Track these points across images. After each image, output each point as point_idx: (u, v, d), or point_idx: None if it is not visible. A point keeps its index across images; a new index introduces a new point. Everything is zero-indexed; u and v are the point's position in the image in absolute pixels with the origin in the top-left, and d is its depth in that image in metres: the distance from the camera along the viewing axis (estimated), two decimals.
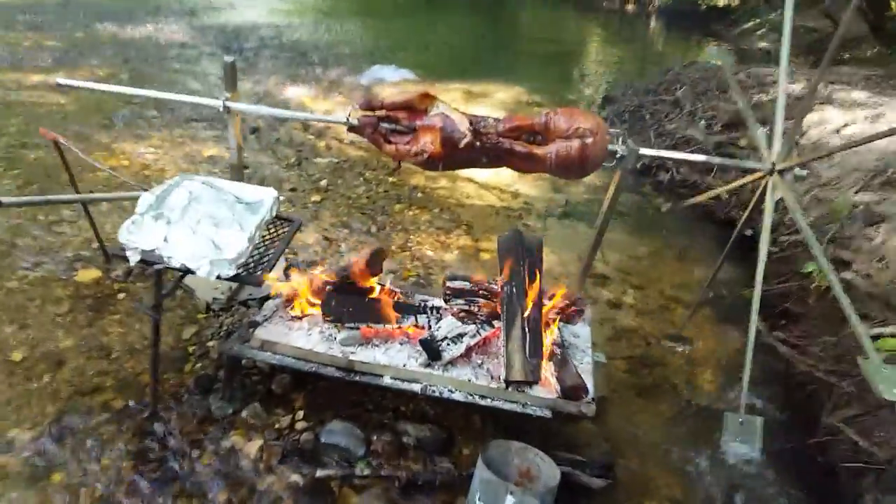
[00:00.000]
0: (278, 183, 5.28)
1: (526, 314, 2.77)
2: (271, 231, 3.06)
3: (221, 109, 3.04)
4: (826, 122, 6.83)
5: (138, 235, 2.54)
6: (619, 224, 5.89)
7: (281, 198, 5.07)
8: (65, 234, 3.98)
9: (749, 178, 3.48)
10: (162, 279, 2.52)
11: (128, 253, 2.48)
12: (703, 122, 7.84)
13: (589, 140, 2.79)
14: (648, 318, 4.52)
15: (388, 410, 2.99)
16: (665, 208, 6.57)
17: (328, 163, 5.92)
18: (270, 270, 2.74)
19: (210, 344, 3.18)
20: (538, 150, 2.80)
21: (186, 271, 2.51)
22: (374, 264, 2.94)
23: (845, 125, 6.54)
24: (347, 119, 2.96)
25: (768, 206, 3.28)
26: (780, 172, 3.22)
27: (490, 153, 2.82)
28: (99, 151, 5.10)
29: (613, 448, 3.47)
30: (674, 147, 7.51)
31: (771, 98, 7.62)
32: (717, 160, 3.60)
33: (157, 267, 2.46)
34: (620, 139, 3.06)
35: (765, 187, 3.29)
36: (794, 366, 3.95)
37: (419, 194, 5.72)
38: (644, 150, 3.10)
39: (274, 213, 3.04)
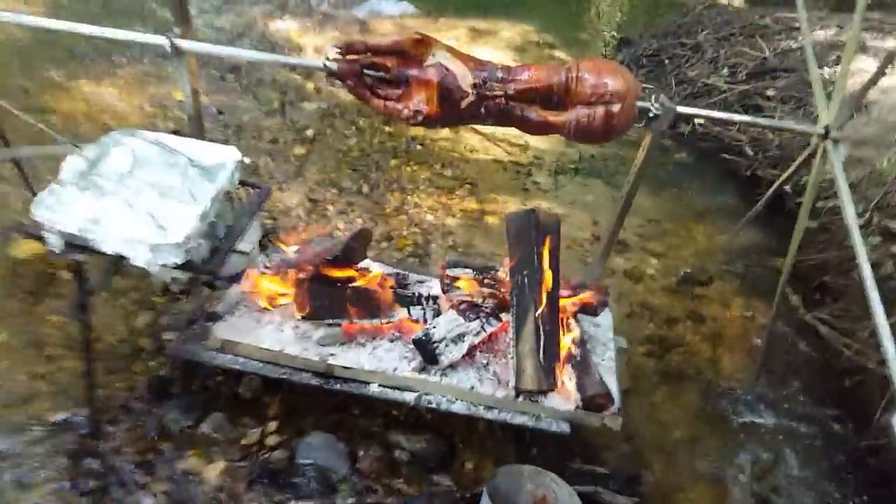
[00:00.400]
0: (258, 131, 4.71)
1: (540, 310, 2.28)
2: (233, 202, 2.54)
3: (169, 49, 2.47)
4: (862, 73, 6.22)
5: (60, 212, 2.02)
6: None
7: (261, 150, 4.68)
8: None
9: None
10: (83, 271, 2.01)
11: (46, 236, 1.98)
12: (725, 69, 7.20)
13: (616, 107, 2.27)
14: (671, 291, 4.05)
15: (377, 416, 2.54)
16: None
17: (316, 108, 5.31)
18: (226, 256, 2.24)
19: (167, 337, 2.69)
20: (554, 118, 2.27)
21: (120, 259, 2.01)
22: (358, 248, 2.44)
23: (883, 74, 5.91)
24: (324, 64, 2.40)
25: (814, 174, 2.76)
26: (835, 141, 2.70)
27: (497, 116, 2.28)
28: (54, 92, 4.51)
29: (636, 451, 3.06)
30: (695, 96, 6.93)
31: (799, 45, 6.97)
32: (764, 122, 3.05)
33: (78, 257, 1.95)
34: (653, 96, 2.54)
35: (813, 152, 2.78)
36: (836, 351, 3.52)
37: (418, 147, 5.14)
38: (682, 109, 2.56)
39: (236, 180, 2.52)
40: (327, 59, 2.41)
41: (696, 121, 6.48)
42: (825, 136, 2.71)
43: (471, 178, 4.84)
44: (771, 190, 3.06)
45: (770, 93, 6.33)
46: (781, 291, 3.20)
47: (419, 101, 2.31)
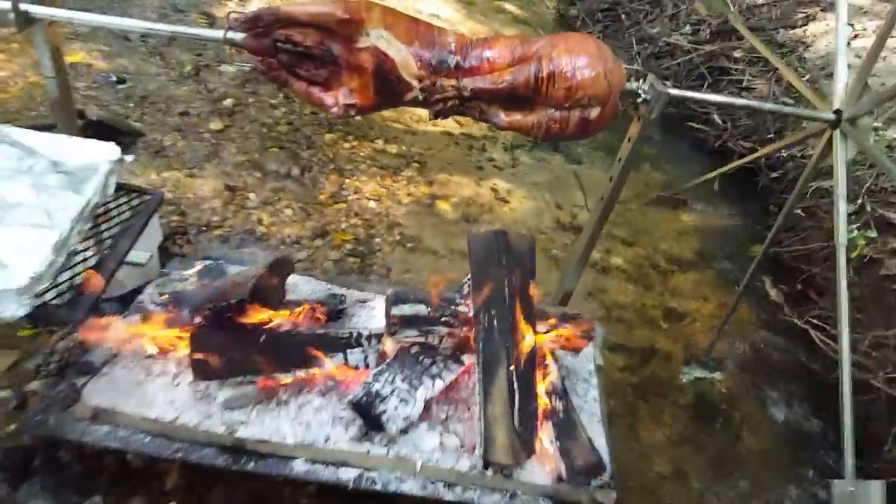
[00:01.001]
0: (166, 103, 4.00)
1: (512, 360, 1.78)
2: (110, 216, 1.95)
3: (11, 17, 1.81)
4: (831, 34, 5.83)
5: None
6: (598, 158, 4.88)
7: (168, 126, 3.95)
8: None
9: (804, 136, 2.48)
10: None
11: None
12: (687, 27, 6.73)
13: (594, 113, 1.78)
14: (643, 287, 3.61)
15: (308, 484, 2.02)
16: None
17: (236, 72, 4.57)
18: (96, 300, 1.65)
19: (32, 386, 2.09)
20: (520, 121, 1.77)
21: None
22: (273, 286, 1.87)
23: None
24: (226, 37, 1.79)
25: (838, 162, 2.31)
26: (851, 121, 2.27)
27: (449, 112, 1.76)
28: None
29: (619, 485, 2.65)
30: (657, 56, 6.46)
31: (765, 2, 6.55)
32: (768, 106, 2.57)
33: None
34: (642, 79, 2.07)
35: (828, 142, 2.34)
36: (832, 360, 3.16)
37: (358, 118, 4.52)
38: (674, 91, 2.07)
39: (112, 186, 1.91)
40: (230, 28, 1.81)
41: (663, 82, 6.02)
42: (837, 122, 2.28)
43: (418, 156, 4.27)
44: (794, 194, 2.55)
45: (737, 54, 5.90)
46: (748, 283, 2.81)
47: (350, 93, 1.75)
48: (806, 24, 5.83)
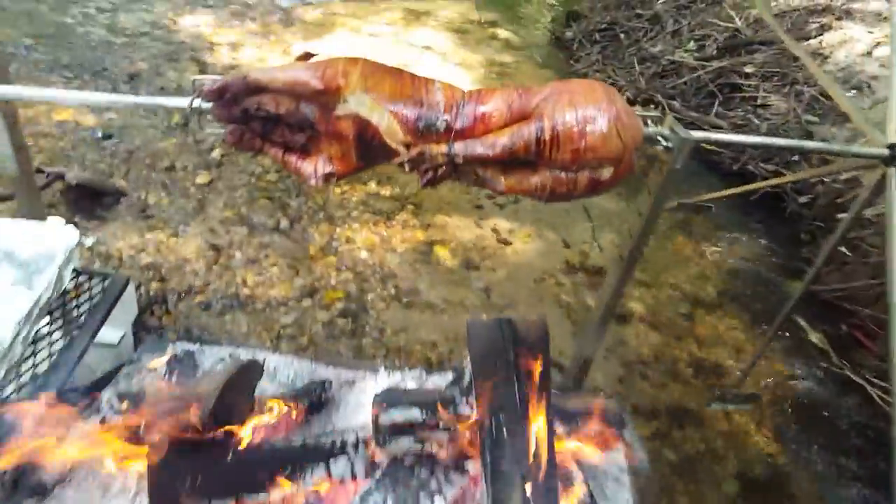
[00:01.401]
0: (152, 157, 3.76)
1: (527, 476, 1.48)
2: (66, 308, 1.70)
3: None
4: (852, 43, 5.54)
5: None
6: None
7: (154, 182, 3.64)
8: None
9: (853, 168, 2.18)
10: None
11: None
12: (692, 43, 6.49)
13: (606, 174, 1.51)
14: (667, 335, 3.31)
15: None
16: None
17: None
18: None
19: None
20: (523, 186, 1.51)
21: None
22: (237, 402, 1.58)
23: None
24: (191, 105, 1.56)
25: (893, 205, 2.01)
26: None
27: (441, 179, 1.50)
28: None
29: None
30: (661, 75, 6.20)
31: (775, 13, 6.29)
32: (810, 145, 2.29)
33: None
34: (659, 123, 1.81)
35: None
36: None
37: None
38: (698, 134, 1.79)
39: (68, 277, 1.66)
40: (197, 96, 1.57)
41: (667, 103, 5.76)
42: (892, 158, 1.98)
43: (413, 197, 4.00)
44: (839, 233, 2.23)
45: (749, 69, 5.63)
46: (781, 324, 2.49)
47: (329, 160, 1.50)
48: (821, 35, 5.56)
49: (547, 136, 1.42)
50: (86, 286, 1.94)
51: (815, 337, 3.32)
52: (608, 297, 2.13)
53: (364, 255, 3.41)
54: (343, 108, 1.41)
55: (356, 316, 2.98)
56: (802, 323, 3.44)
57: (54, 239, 1.77)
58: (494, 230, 3.85)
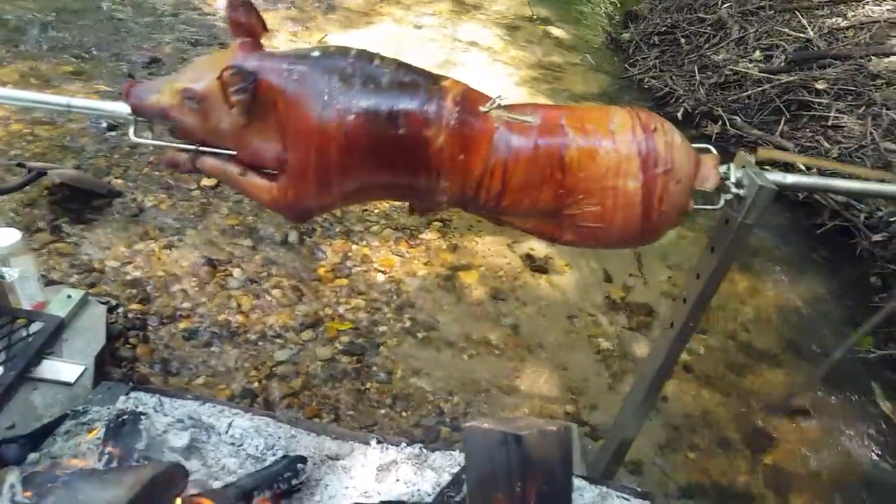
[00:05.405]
0: (156, 154, 3.47)
1: None
2: None
3: None
4: None
5: None
6: None
7: (156, 183, 3.21)
8: None
9: None
10: None
11: None
12: (757, 52, 5.94)
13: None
14: (718, 393, 2.87)
15: None
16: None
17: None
18: None
19: None
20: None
21: None
22: None
23: None
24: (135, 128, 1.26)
25: None
26: None
27: None
28: None
29: None
30: (722, 87, 5.68)
31: (850, 24, 5.72)
32: None
33: None
34: (731, 167, 1.39)
35: None
36: None
37: None
38: (774, 177, 1.36)
39: None
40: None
41: (729, 118, 5.25)
42: None
43: (441, 212, 3.62)
44: None
45: (820, 86, 5.09)
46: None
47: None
48: None
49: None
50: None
51: (885, 405, 2.86)
52: (656, 368, 1.73)
53: (380, 278, 3.05)
54: None
55: (363, 353, 2.62)
56: (875, 388, 2.98)
57: None
58: (529, 255, 3.45)
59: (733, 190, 1.36)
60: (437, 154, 1.17)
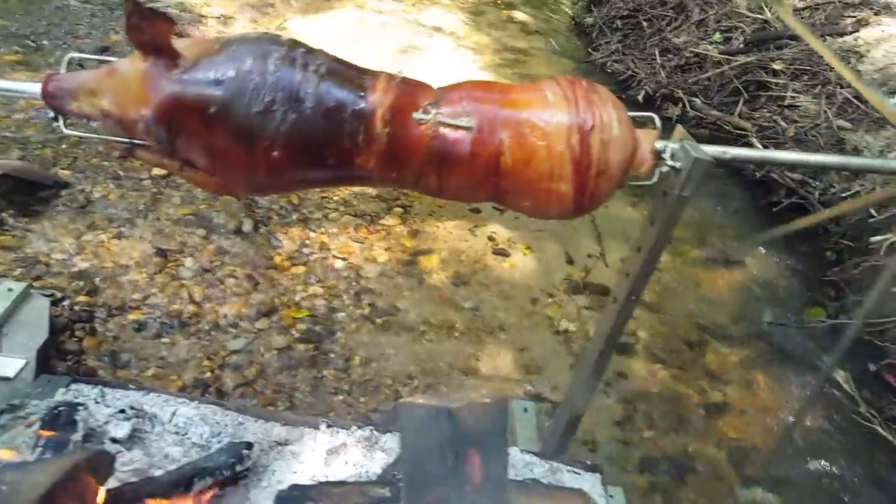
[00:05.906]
0: (107, 145, 3.38)
1: None
2: None
3: None
4: (890, 41, 5.05)
5: None
6: (618, 194, 4.16)
7: (104, 172, 3.19)
8: None
9: None
10: None
11: None
12: (717, 34, 6.00)
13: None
14: (674, 368, 2.90)
15: None
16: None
17: None
18: None
19: None
20: None
21: None
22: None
23: None
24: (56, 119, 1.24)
25: None
26: None
27: None
28: None
29: None
30: (683, 69, 5.72)
31: (805, 6, 5.80)
32: (856, 162, 1.86)
33: None
34: (668, 143, 1.38)
35: None
36: None
37: None
38: (710, 149, 1.35)
39: None
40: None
41: (689, 100, 5.30)
42: None
43: (403, 197, 3.60)
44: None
45: (777, 66, 5.15)
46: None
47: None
48: (857, 31, 5.06)
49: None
50: None
51: (840, 377, 2.91)
52: (602, 341, 1.73)
53: (339, 264, 3.02)
54: None
55: (320, 340, 2.59)
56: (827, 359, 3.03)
57: None
58: (491, 238, 3.44)
59: (668, 163, 1.35)
60: (368, 172, 1.19)
